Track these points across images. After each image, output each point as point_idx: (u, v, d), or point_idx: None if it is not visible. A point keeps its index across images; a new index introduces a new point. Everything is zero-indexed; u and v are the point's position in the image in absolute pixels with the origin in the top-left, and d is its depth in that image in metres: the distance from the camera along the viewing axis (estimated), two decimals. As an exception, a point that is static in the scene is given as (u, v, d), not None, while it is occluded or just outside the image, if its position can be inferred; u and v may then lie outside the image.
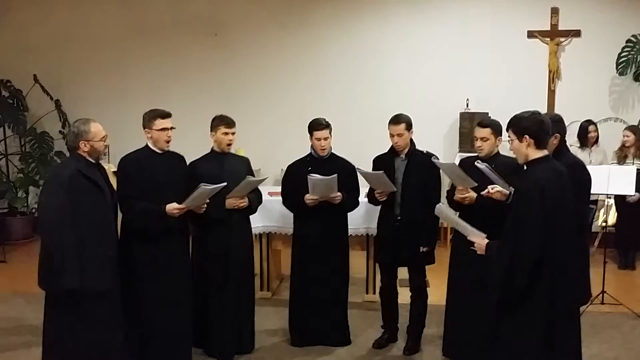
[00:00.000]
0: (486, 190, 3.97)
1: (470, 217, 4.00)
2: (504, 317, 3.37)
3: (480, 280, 4.15)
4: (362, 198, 5.07)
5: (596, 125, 7.53)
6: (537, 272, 3.20)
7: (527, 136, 3.30)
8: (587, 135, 7.35)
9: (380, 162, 4.88)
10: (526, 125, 3.32)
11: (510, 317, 3.34)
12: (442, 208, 3.97)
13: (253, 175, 4.85)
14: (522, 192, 3.30)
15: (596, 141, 7.49)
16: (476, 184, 4.26)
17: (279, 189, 5.49)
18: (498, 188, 3.89)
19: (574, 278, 3.42)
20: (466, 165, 4.47)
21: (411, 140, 4.83)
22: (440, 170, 4.79)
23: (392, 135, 4.77)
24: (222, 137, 4.66)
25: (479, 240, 3.51)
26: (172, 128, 4.38)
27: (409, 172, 4.77)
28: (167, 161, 4.43)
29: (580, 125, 7.43)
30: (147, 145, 4.41)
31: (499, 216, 3.61)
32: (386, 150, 4.93)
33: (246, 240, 4.87)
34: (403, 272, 5.00)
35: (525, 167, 3.45)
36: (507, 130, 3.42)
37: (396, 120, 4.76)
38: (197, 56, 8.83)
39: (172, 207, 4.23)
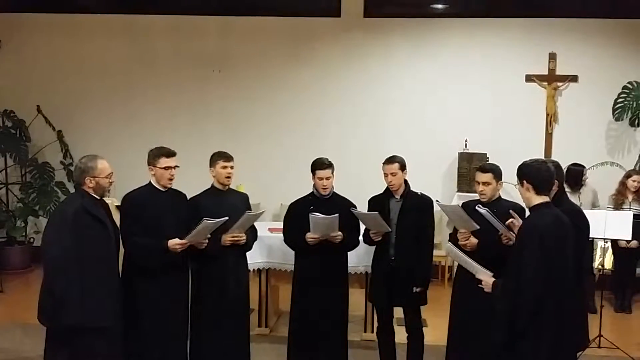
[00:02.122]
0: (510, 220, 3.94)
1: (472, 258, 4.04)
2: (506, 355, 3.42)
3: (482, 321, 4.21)
4: (362, 237, 5.10)
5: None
6: (538, 314, 3.29)
7: (525, 181, 3.49)
8: (581, 179, 7.22)
9: (375, 203, 4.96)
10: (526, 171, 3.52)
11: (512, 356, 3.39)
12: (452, 247, 4.05)
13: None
14: (522, 235, 3.43)
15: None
16: (478, 227, 4.32)
17: (278, 225, 5.53)
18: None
19: (574, 322, 3.49)
20: (467, 209, 4.52)
21: (406, 181, 4.92)
22: (434, 212, 4.86)
23: (386, 175, 4.87)
24: (221, 170, 4.72)
25: (487, 278, 3.64)
26: (176, 167, 4.45)
27: (403, 213, 4.84)
28: (169, 198, 4.50)
29: (572, 169, 7.13)
30: (150, 183, 4.48)
31: (502, 259, 3.71)
32: (382, 191, 5.00)
33: (243, 276, 4.88)
34: (400, 311, 5.02)
35: (525, 211, 3.56)
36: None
37: (390, 160, 4.88)
38: (199, 91, 8.94)
39: (174, 242, 4.28)
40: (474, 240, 4.39)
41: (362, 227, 5.03)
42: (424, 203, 4.86)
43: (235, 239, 4.64)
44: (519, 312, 3.29)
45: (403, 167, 4.86)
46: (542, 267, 3.27)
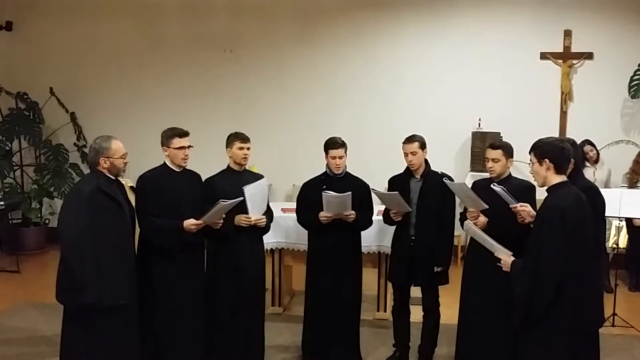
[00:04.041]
0: (516, 205, 3.94)
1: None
2: (526, 338, 3.41)
3: (493, 300, 4.21)
4: (375, 216, 5.11)
5: (594, 145, 7.46)
6: (559, 294, 3.26)
7: (547, 160, 3.41)
8: (584, 156, 7.19)
9: (396, 183, 4.93)
10: (547, 149, 3.44)
11: (533, 338, 3.38)
12: (470, 225, 4.02)
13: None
14: (544, 215, 3.37)
15: (597, 160, 7.50)
16: (487, 206, 4.28)
17: (291, 205, 5.54)
18: (529, 208, 3.87)
19: (594, 301, 3.47)
20: (479, 187, 4.49)
21: (426, 161, 4.89)
22: (454, 191, 4.84)
23: (406, 155, 4.83)
24: (237, 151, 4.73)
25: (505, 257, 3.59)
26: (189, 146, 4.46)
27: (424, 192, 4.81)
28: (184, 179, 4.52)
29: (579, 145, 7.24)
30: (164, 163, 4.49)
31: (515, 238, 3.69)
32: (400, 171, 4.98)
33: (258, 255, 4.90)
34: (415, 291, 5.03)
35: (536, 189, 3.51)
36: (530, 153, 3.52)
37: (410, 139, 4.84)
38: (211, 72, 8.93)
39: (190, 222, 4.30)
40: (483, 219, 4.35)
41: (378, 208, 5.01)
42: (444, 183, 4.79)
43: (251, 221, 4.63)
44: (539, 293, 3.25)
45: (423, 146, 4.83)
46: (564, 247, 3.23)
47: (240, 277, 4.70)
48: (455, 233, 7.72)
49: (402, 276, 4.94)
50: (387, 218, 4.94)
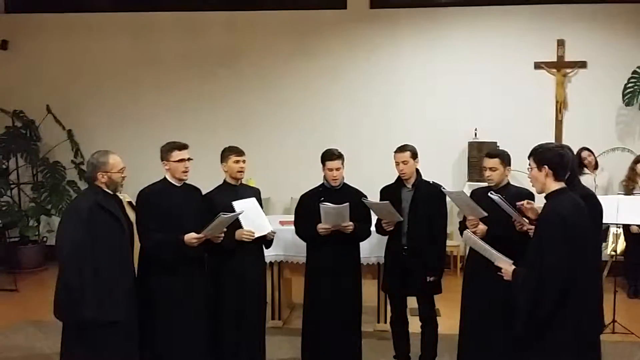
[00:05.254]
0: (521, 203, 3.94)
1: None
2: (528, 347, 3.39)
3: (493, 310, 4.20)
4: (374, 227, 5.11)
5: (591, 151, 7.58)
6: (562, 302, 3.24)
7: (546, 167, 3.40)
8: (582, 162, 7.38)
9: (387, 193, 4.95)
10: (547, 156, 3.42)
11: (535, 346, 3.36)
12: (470, 234, 4.02)
13: (262, 205, 4.92)
14: (544, 223, 3.36)
15: (596, 166, 7.57)
16: (486, 214, 4.29)
17: (289, 217, 5.53)
18: (534, 205, 3.87)
19: (595, 308, 3.46)
20: (477, 195, 4.50)
21: (417, 170, 4.92)
22: (447, 200, 4.85)
23: (397, 164, 4.87)
24: (233, 165, 4.74)
25: (506, 266, 3.56)
26: (189, 159, 4.46)
27: (415, 202, 4.83)
28: (185, 193, 4.51)
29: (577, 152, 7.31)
30: (164, 178, 4.49)
31: (514, 246, 3.69)
32: (394, 181, 5.00)
33: (259, 270, 4.90)
34: (413, 301, 5.02)
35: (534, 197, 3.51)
36: (529, 157, 3.52)
37: (401, 148, 4.88)
38: (208, 87, 8.97)
39: (191, 236, 4.29)
40: (482, 227, 4.36)
41: (375, 218, 5.03)
42: (435, 192, 4.82)
43: (253, 235, 4.63)
44: (542, 302, 3.23)
45: (414, 155, 4.86)
46: (566, 255, 3.21)
47: (242, 292, 4.69)
48: (455, 243, 7.82)
49: (395, 286, 4.96)
50: (379, 228, 4.96)
